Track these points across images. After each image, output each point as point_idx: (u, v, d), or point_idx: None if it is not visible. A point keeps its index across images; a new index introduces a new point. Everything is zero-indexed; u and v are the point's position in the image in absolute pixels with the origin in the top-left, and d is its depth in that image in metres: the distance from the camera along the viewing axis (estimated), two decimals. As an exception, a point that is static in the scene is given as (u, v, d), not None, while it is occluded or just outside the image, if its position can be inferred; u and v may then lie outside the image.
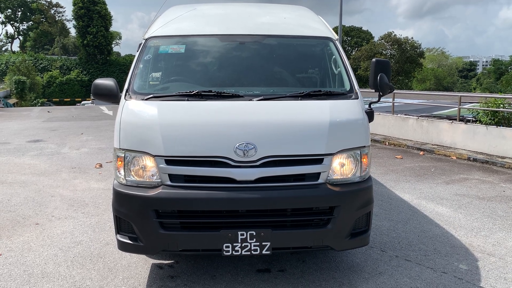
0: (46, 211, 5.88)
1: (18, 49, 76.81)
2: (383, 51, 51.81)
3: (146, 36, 4.23)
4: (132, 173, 3.40)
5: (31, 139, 12.72)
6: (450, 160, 9.65)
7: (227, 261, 4.19)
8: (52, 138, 12.81)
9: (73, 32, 69.19)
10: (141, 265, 4.17)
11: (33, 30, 74.49)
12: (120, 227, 3.49)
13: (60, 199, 6.43)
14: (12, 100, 37.33)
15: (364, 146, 3.56)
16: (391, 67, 4.18)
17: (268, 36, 4.24)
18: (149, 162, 3.34)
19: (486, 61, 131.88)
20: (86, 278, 3.92)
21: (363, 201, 3.52)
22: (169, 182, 3.32)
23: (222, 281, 3.84)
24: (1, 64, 53.60)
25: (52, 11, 70.32)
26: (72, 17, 54.83)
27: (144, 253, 3.82)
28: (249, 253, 3.32)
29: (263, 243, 3.31)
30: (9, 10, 73.16)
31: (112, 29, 59.00)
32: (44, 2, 70.58)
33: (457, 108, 11.42)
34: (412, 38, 52.21)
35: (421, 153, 10.52)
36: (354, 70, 44.78)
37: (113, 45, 60.36)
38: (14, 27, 77.09)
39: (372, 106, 3.98)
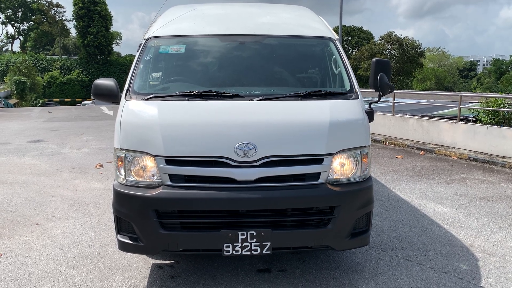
0: (46, 211, 5.89)
1: (18, 49, 76.91)
2: (384, 51, 51.79)
3: (146, 36, 4.23)
4: (133, 173, 3.40)
5: (32, 139, 12.73)
6: (450, 160, 9.65)
7: (227, 261, 4.19)
8: (53, 138, 12.82)
9: (73, 32, 69.31)
10: (141, 265, 4.17)
11: (33, 31, 74.54)
12: (121, 227, 3.49)
13: (60, 199, 6.43)
14: (13, 101, 37.37)
15: (364, 146, 3.56)
16: (391, 67, 4.18)
17: (268, 36, 4.24)
18: (149, 162, 3.35)
19: (487, 61, 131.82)
20: (86, 278, 3.92)
21: (363, 201, 3.52)
22: (169, 182, 3.32)
23: (222, 281, 3.84)
24: (2, 64, 53.65)
25: (53, 12, 70.38)
26: (73, 17, 54.97)
27: (144, 253, 3.82)
28: (249, 253, 3.32)
29: (264, 243, 3.31)
30: (10, 10, 73.19)
31: (112, 29, 59.08)
32: (44, 3, 70.65)
33: (457, 108, 11.41)
34: (412, 38, 52.24)
35: (422, 153, 10.52)
36: (355, 70, 44.85)
37: (113, 45, 60.46)
38: (14, 28, 77.15)
39: (372, 106, 3.97)
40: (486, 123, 10.57)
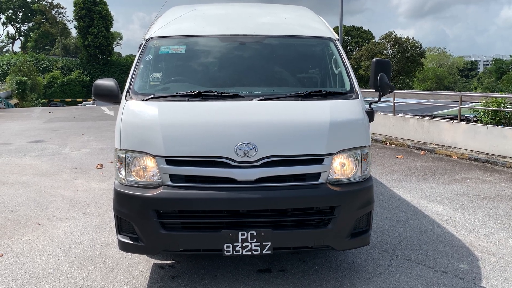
0: (47, 211, 5.89)
1: (19, 49, 76.99)
2: (384, 51, 51.77)
3: (147, 37, 4.24)
4: (133, 173, 3.40)
5: (32, 139, 12.74)
6: (451, 160, 9.65)
7: (228, 261, 4.19)
8: (53, 139, 12.83)
9: (74, 32, 69.46)
10: (142, 265, 4.18)
11: (34, 31, 74.62)
12: (121, 227, 3.50)
13: (61, 200, 6.44)
14: (13, 101, 37.40)
15: (365, 146, 3.56)
16: (391, 67, 4.19)
17: (269, 36, 4.25)
18: (149, 163, 3.35)
19: (487, 61, 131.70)
20: (87, 278, 3.93)
21: (363, 201, 3.52)
22: (169, 182, 3.33)
23: (223, 281, 3.84)
24: (2, 64, 53.72)
25: (53, 12, 70.46)
26: (73, 18, 55.05)
27: (145, 253, 3.82)
28: (249, 253, 3.33)
29: (264, 243, 3.31)
30: (10, 11, 73.29)
31: (113, 29, 59.14)
32: (45, 3, 70.73)
33: (458, 108, 11.40)
34: (413, 37, 52.27)
35: (422, 152, 10.52)
36: (355, 70, 44.84)
37: (114, 46, 60.55)
38: (15, 28, 77.24)
39: (372, 106, 3.98)
40: (487, 123, 10.56)
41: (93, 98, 5.07)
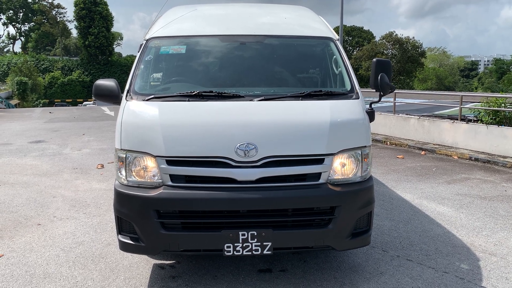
0: (48, 211, 5.90)
1: (19, 50, 77.06)
2: (385, 51, 51.75)
3: (147, 37, 4.24)
4: (133, 173, 3.40)
5: (33, 140, 12.75)
6: (451, 160, 9.64)
7: (228, 261, 4.19)
8: (54, 139, 12.84)
9: (74, 33, 69.49)
10: (142, 265, 4.18)
11: (34, 31, 74.67)
12: (122, 227, 3.50)
13: (62, 200, 6.44)
14: (14, 101, 37.43)
15: (365, 146, 3.56)
16: (392, 67, 4.19)
17: (269, 36, 4.24)
18: (150, 163, 3.35)
19: (488, 61, 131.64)
20: (88, 279, 3.93)
21: (364, 201, 3.52)
22: (170, 183, 3.33)
23: (223, 281, 3.84)
24: (3, 65, 53.78)
25: (54, 12, 70.46)
26: (74, 18, 55.07)
27: (145, 254, 3.82)
28: (250, 253, 3.33)
29: (264, 243, 3.31)
30: (11, 11, 73.35)
31: (113, 29, 59.17)
32: (45, 3, 70.75)
33: (458, 108, 11.40)
34: (413, 37, 52.27)
35: (423, 152, 10.51)
36: (356, 70, 44.81)
37: (114, 46, 60.55)
38: (15, 28, 77.33)
39: (373, 106, 3.98)
40: (487, 123, 10.55)
41: (93, 98, 5.07)
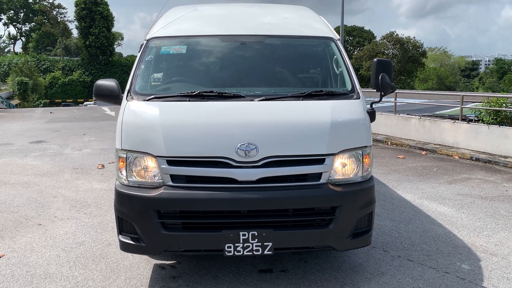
0: (48, 211, 5.90)
1: (20, 50, 77.09)
2: (385, 51, 51.72)
3: (148, 37, 4.24)
4: (134, 173, 3.40)
5: (34, 140, 12.75)
6: (452, 160, 9.63)
7: (229, 261, 4.19)
8: (55, 139, 12.84)
9: (75, 33, 69.51)
10: (143, 265, 4.18)
11: (35, 31, 74.70)
12: (122, 227, 3.50)
13: (62, 200, 6.44)
14: (15, 101, 37.45)
15: (366, 146, 3.55)
16: (393, 67, 4.18)
17: (269, 36, 4.24)
18: (150, 163, 3.35)
19: (489, 60, 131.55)
20: (88, 279, 3.93)
21: (365, 201, 3.52)
22: (170, 183, 3.32)
23: (224, 281, 3.84)
24: (4, 65, 53.81)
25: (54, 12, 70.46)
26: (74, 18, 55.06)
27: (146, 254, 3.82)
28: (251, 253, 3.32)
29: (265, 243, 3.31)
30: (12, 12, 73.38)
31: (114, 29, 59.17)
32: (46, 4, 70.77)
33: (459, 108, 11.39)
34: (414, 37, 52.26)
35: (423, 152, 10.50)
36: (356, 70, 44.78)
37: (115, 46, 60.54)
38: (16, 28, 77.35)
39: (374, 106, 3.97)
40: (488, 123, 10.54)
41: (94, 98, 5.07)
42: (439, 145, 10.96)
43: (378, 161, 9.45)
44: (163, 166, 3.31)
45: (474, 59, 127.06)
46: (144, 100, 3.59)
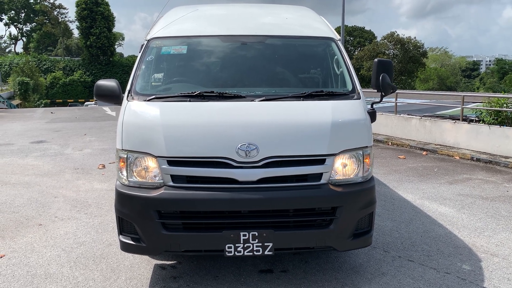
0: (49, 212, 5.90)
1: (21, 50, 77.16)
2: (386, 51, 51.67)
3: (148, 37, 4.24)
4: (135, 174, 3.40)
5: (34, 140, 12.76)
6: (453, 160, 9.62)
7: (229, 261, 4.19)
8: (55, 139, 12.85)
9: (76, 33, 69.56)
10: (143, 265, 4.18)
11: (36, 32, 74.76)
12: (123, 228, 3.50)
13: (63, 200, 6.44)
14: (16, 101, 37.49)
15: (367, 147, 3.55)
16: (393, 67, 4.18)
17: (270, 36, 4.24)
18: (151, 163, 3.35)
19: (490, 61, 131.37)
20: (89, 279, 3.93)
21: (365, 201, 3.51)
22: (171, 183, 3.32)
23: (224, 281, 3.84)
24: (5, 65, 53.88)
25: (55, 13, 70.56)
26: (75, 18, 55.14)
27: (146, 254, 3.83)
28: (251, 253, 3.32)
29: (266, 244, 3.31)
30: (13, 12, 73.45)
31: (115, 30, 59.21)
32: (47, 4, 70.87)
33: (460, 108, 11.38)
34: (415, 37, 52.11)
35: (424, 153, 10.49)
36: (357, 70, 44.76)
37: (116, 46, 60.58)
38: (17, 29, 77.42)
39: (375, 106, 3.97)
40: (489, 123, 10.54)
41: (95, 98, 5.06)
42: (440, 145, 10.96)
43: (379, 161, 9.44)
44: (163, 166, 3.31)
45: (475, 59, 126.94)
46: (145, 100, 3.60)
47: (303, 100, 3.61)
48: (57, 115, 21.84)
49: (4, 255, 4.47)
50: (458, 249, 4.61)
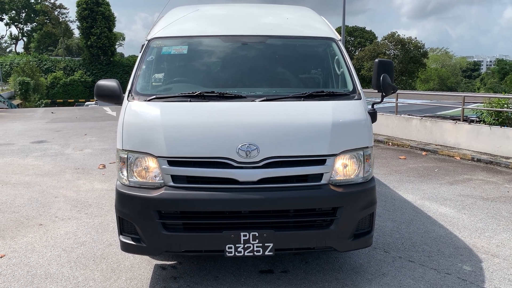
0: (49, 212, 5.90)
1: (22, 50, 77.20)
2: (387, 51, 51.65)
3: (149, 37, 4.24)
4: (135, 174, 3.40)
5: (35, 140, 12.77)
6: (453, 161, 9.62)
7: (230, 262, 4.19)
8: (56, 139, 12.85)
9: (76, 33, 69.53)
10: (144, 266, 4.18)
11: (37, 32, 74.78)
12: (123, 228, 3.49)
13: (63, 200, 6.44)
14: (16, 101, 37.49)
15: (367, 147, 3.55)
16: (394, 68, 4.18)
17: (271, 36, 4.24)
18: (151, 163, 3.35)
19: (490, 61, 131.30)
20: (89, 279, 3.93)
21: (366, 202, 3.51)
22: (171, 183, 3.32)
23: (225, 282, 3.84)
24: (6, 65, 53.89)
25: (56, 13, 70.55)
26: (76, 18, 55.10)
27: (147, 254, 3.82)
28: (251, 254, 3.32)
29: (266, 244, 3.30)
30: (13, 12, 73.48)
31: (115, 30, 59.13)
32: (48, 4, 70.87)
33: (460, 109, 11.38)
34: (415, 38, 52.04)
35: (424, 153, 10.49)
36: (358, 70, 44.72)
37: (116, 46, 60.50)
38: (18, 29, 77.45)
39: (375, 106, 3.97)
40: (490, 124, 10.53)
41: (95, 98, 5.06)
42: (441, 145, 10.95)
43: (379, 161, 9.44)
44: (164, 166, 3.31)
45: (476, 59, 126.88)
46: (145, 101, 3.60)
47: (303, 101, 3.61)
48: (57, 115, 21.84)
49: (4, 255, 4.47)
50: (459, 250, 4.61)
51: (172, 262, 4.22)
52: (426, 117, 12.44)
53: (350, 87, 3.89)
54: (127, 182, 3.43)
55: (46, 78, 51.47)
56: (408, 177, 7.97)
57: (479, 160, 9.38)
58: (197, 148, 3.31)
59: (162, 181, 3.34)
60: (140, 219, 3.35)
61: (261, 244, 3.30)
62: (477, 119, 12.09)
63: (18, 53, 70.03)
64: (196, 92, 3.58)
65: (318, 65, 4.41)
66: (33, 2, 72.46)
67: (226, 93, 3.60)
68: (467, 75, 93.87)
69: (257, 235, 3.28)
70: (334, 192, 3.36)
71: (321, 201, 3.37)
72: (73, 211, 5.91)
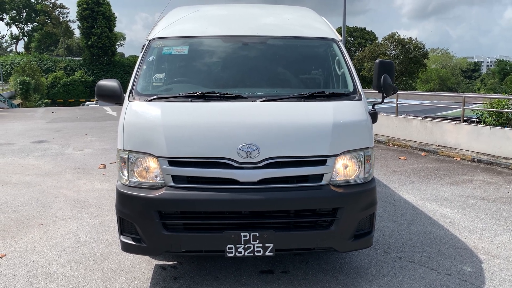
0: (50, 211, 5.90)
1: (22, 50, 77.24)
2: (387, 52, 51.62)
3: (150, 38, 4.24)
4: (136, 174, 3.40)
5: (35, 139, 12.77)
6: (454, 161, 9.61)
7: (230, 262, 4.19)
8: (56, 139, 12.86)
9: (77, 33, 69.50)
10: (144, 266, 4.18)
11: (37, 31, 74.81)
12: (124, 228, 3.50)
13: (64, 200, 6.45)
14: (17, 101, 37.51)
15: (368, 148, 3.55)
16: (394, 68, 4.18)
17: (271, 37, 4.24)
18: (152, 163, 3.35)
19: (491, 62, 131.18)
20: (89, 279, 3.93)
21: (366, 202, 3.51)
22: (172, 183, 3.32)
23: (225, 282, 3.84)
24: (6, 65, 53.93)
25: (57, 12, 70.53)
26: (77, 18, 55.13)
27: (147, 254, 3.83)
28: (252, 254, 3.32)
29: (266, 244, 3.30)
30: (14, 11, 73.54)
31: (116, 30, 59.16)
32: (48, 3, 70.87)
33: (461, 109, 11.37)
34: (416, 38, 52.03)
35: (423, 154, 10.48)
36: (358, 71, 44.73)
37: (117, 46, 60.56)
38: (19, 28, 77.50)
39: (376, 107, 3.97)
40: (490, 124, 10.52)
41: (96, 98, 5.06)
42: (441, 146, 10.95)
43: (380, 162, 9.44)
44: (164, 166, 3.31)
45: (476, 60, 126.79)
46: (146, 101, 3.60)
47: (304, 101, 3.61)
48: (58, 115, 21.85)
49: (4, 255, 4.47)
50: (459, 251, 4.61)
51: (173, 262, 4.23)
52: (426, 118, 12.44)
53: (350, 88, 3.89)
54: (127, 182, 3.43)
55: (46, 78, 51.50)
56: (409, 178, 7.97)
57: (479, 161, 9.38)
58: (197, 149, 3.31)
59: (162, 181, 3.34)
60: (140, 219, 3.35)
61: (261, 245, 3.30)
62: (478, 120, 12.09)
63: (18, 53, 70.07)
64: (196, 93, 3.58)
65: (318, 66, 4.41)
66: (34, 2, 72.51)
67: (227, 94, 3.60)
68: (468, 76, 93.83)
69: (257, 235, 3.28)
70: (335, 192, 3.37)
71: (322, 202, 3.37)
72: (73, 211, 5.91)
